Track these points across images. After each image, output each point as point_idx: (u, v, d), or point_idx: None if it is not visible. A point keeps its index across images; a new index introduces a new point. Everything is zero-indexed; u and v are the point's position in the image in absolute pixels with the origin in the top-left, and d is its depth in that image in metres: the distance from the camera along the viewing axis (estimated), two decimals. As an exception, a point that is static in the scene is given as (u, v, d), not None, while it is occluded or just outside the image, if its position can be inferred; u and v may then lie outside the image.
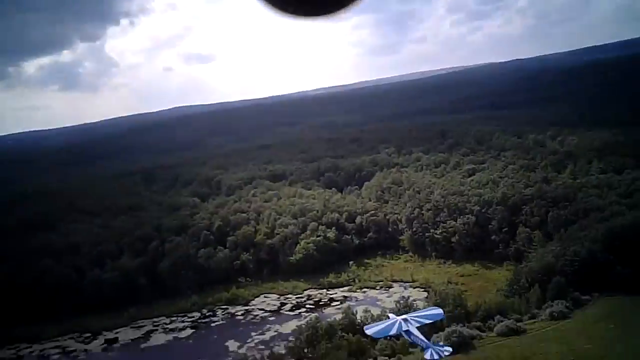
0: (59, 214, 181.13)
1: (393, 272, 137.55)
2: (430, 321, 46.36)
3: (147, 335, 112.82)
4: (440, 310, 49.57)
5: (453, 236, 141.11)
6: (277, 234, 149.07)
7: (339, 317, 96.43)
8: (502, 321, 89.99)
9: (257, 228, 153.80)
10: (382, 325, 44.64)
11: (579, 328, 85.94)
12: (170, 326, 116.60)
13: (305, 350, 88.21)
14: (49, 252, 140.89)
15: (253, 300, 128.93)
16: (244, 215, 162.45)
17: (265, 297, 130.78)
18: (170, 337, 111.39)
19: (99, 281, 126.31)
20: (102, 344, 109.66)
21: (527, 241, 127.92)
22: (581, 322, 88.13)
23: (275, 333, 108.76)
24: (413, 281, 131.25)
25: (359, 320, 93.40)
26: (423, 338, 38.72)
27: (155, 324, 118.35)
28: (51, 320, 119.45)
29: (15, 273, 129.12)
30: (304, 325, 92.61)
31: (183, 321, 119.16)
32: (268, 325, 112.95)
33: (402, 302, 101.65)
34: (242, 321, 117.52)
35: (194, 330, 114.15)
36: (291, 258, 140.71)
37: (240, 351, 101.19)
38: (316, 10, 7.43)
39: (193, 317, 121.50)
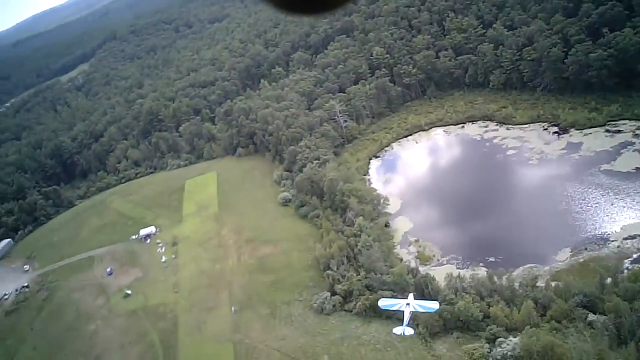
0: None
1: None
2: (424, 311, 53.04)
3: (618, 149, 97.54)
4: (436, 305, 55.06)
5: None
6: None
7: None
8: None
9: None
10: (393, 301, 53.74)
11: None
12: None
13: None
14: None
15: None
16: None
17: None
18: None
19: (585, 59, 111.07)
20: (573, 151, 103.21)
21: None
22: None
23: None
24: None
25: None
26: (407, 319, 48.94)
27: (636, 130, 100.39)
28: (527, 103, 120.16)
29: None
30: None
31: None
32: None
33: None
34: None
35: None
36: None
37: None
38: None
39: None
